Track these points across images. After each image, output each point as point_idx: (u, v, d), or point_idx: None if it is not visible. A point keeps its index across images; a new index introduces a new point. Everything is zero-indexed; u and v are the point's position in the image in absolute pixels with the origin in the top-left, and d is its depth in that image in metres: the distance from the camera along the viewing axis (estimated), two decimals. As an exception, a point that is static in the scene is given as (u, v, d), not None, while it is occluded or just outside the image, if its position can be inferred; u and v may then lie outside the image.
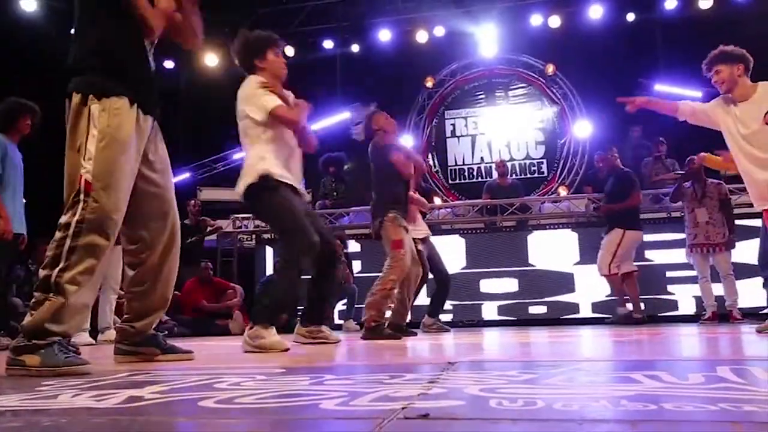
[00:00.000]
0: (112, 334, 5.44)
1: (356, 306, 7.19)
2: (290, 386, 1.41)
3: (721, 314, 6.24)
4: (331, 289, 4.00)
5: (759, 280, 5.99)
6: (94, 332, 5.57)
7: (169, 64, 12.18)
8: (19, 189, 4.89)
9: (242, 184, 3.56)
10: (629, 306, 6.49)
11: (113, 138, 2.25)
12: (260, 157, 3.53)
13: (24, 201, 5.04)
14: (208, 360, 2.68)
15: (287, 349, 3.03)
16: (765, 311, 6.35)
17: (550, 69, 11.38)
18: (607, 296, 6.88)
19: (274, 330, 3.19)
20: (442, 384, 1.34)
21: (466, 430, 0.91)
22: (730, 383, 1.30)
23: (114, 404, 1.23)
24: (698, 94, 10.75)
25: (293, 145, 3.70)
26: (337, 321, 7.26)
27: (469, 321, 7.43)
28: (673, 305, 7.21)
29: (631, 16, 10.68)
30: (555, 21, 10.76)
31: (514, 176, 10.61)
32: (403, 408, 1.02)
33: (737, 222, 6.31)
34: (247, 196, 3.60)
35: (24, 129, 4.94)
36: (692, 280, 6.80)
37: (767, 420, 0.92)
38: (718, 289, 6.31)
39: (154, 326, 2.66)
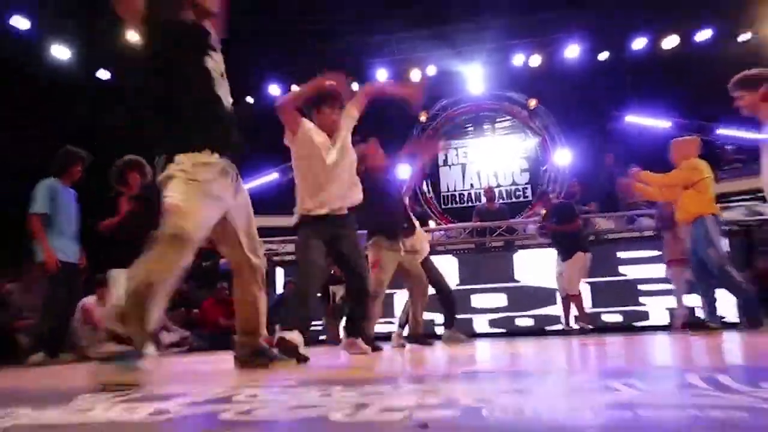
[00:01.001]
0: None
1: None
2: (302, 398, 1.41)
3: (690, 323, 6.23)
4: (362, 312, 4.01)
5: (726, 291, 6.02)
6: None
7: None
8: (68, 225, 5.03)
9: None
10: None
11: None
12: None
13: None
14: (227, 374, 2.66)
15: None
16: (726, 320, 6.38)
17: (532, 103, 11.49)
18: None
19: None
20: (439, 394, 1.34)
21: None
22: (698, 389, 1.30)
23: (143, 417, 1.24)
24: (667, 124, 10.86)
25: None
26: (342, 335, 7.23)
27: (463, 334, 7.37)
28: (645, 315, 7.22)
29: (603, 55, 10.82)
30: (536, 60, 10.89)
31: (501, 201, 10.66)
32: (403, 418, 1.03)
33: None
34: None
35: (75, 175, 5.17)
36: (663, 292, 6.82)
37: (735, 424, 0.92)
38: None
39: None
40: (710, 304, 5.48)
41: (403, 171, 11.59)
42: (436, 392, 1.39)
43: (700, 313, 6.26)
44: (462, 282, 7.52)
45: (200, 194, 2.20)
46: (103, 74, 10.78)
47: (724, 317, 5.44)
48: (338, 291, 7.13)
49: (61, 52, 9.80)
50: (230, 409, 1.26)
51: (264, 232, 9.53)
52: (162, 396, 1.62)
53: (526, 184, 11.58)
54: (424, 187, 11.89)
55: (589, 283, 6.71)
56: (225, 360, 3.89)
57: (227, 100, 2.52)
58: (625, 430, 0.92)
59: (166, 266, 2.11)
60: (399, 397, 1.32)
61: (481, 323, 7.53)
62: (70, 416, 1.30)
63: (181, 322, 7.07)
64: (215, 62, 2.45)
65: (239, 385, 1.81)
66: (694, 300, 6.31)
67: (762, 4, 9.92)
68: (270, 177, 12.65)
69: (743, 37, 10.20)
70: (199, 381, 2.20)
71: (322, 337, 7.33)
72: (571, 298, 6.57)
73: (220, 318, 7.14)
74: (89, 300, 6.07)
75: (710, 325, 5.45)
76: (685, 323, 6.21)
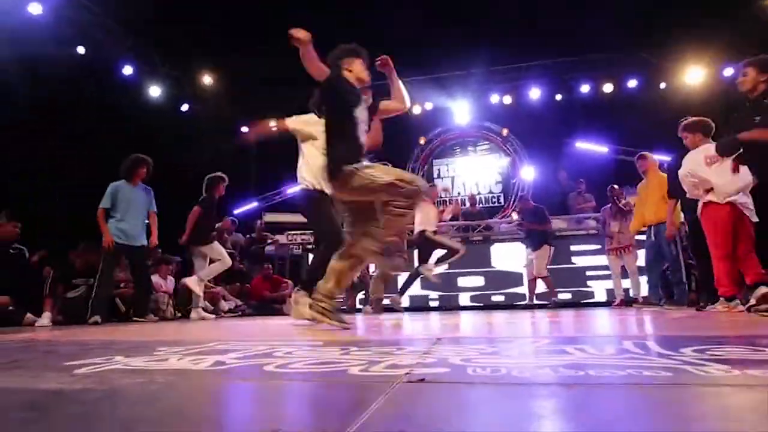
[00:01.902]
0: (201, 312, 5.51)
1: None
2: (327, 355, 1.39)
3: (626, 301, 6.17)
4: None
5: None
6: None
7: (245, 129, 12.27)
8: (130, 215, 4.94)
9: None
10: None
11: None
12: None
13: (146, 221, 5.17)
14: (271, 334, 2.65)
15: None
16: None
17: (505, 132, 11.44)
18: (544, 290, 6.78)
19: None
20: (433, 355, 1.32)
21: (450, 390, 0.90)
22: (633, 353, 1.27)
23: (205, 367, 1.23)
24: (605, 149, 10.81)
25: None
26: (357, 306, 7.20)
27: (450, 306, 7.36)
28: (591, 295, 7.14)
29: (558, 96, 10.78)
30: (508, 99, 10.87)
31: (481, 205, 10.59)
32: (406, 374, 1.01)
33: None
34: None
35: (141, 175, 5.12)
36: (604, 277, 6.74)
37: (661, 382, 0.90)
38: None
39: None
40: (655, 285, 5.44)
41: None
42: (430, 353, 1.37)
43: (631, 293, 6.21)
44: (450, 267, 7.45)
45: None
46: (184, 107, 10.91)
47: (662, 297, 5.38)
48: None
49: (155, 91, 9.90)
50: (272, 363, 1.25)
51: (301, 225, 9.50)
52: (220, 350, 1.62)
53: (499, 193, 11.55)
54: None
55: (549, 269, 6.65)
56: (268, 324, 3.92)
57: (363, 136, 2.75)
58: (577, 386, 0.90)
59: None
60: (402, 357, 1.30)
61: (464, 299, 7.47)
62: (151, 363, 1.30)
63: (236, 294, 7.08)
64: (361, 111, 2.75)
65: (279, 344, 1.79)
66: (626, 283, 6.24)
67: (674, 62, 9.93)
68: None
69: (662, 86, 10.24)
70: (249, 339, 2.19)
71: (343, 307, 7.32)
72: (543, 280, 6.55)
73: (265, 292, 7.14)
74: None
75: (652, 300, 5.42)
76: (622, 300, 6.15)
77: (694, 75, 9.83)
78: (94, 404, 0.85)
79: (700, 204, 3.92)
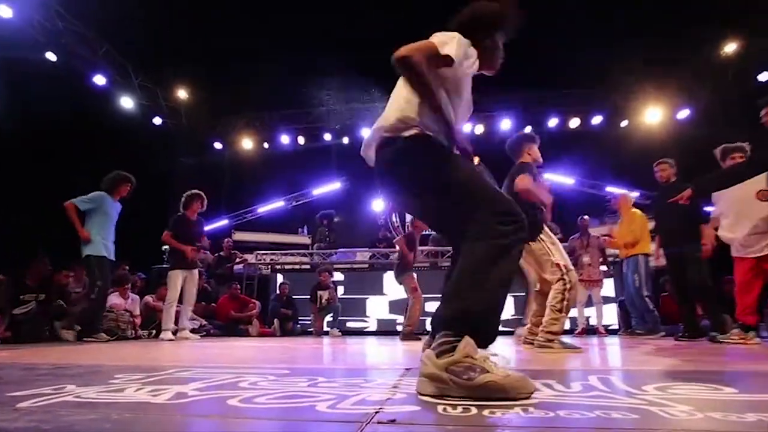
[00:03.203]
0: (187, 333, 5.38)
1: (339, 318, 7.03)
2: (293, 387, 1.34)
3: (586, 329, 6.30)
4: None
5: (613, 306, 6.10)
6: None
7: (218, 146, 12.17)
8: (108, 229, 4.90)
9: None
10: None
11: None
12: None
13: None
14: (236, 360, 2.55)
15: None
16: (614, 327, 6.46)
17: (476, 160, 11.60)
18: (511, 315, 6.85)
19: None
20: (403, 389, 1.28)
21: (421, 433, 0.87)
22: (599, 391, 1.26)
23: (165, 399, 1.15)
24: (571, 181, 11.19)
25: None
26: (325, 329, 7.07)
27: (418, 331, 7.30)
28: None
29: (527, 129, 11.11)
30: (479, 129, 11.13)
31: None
32: (376, 412, 0.97)
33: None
34: None
35: (123, 192, 5.08)
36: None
37: (629, 427, 0.89)
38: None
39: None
40: (640, 316, 5.60)
41: (378, 205, 11.60)
42: (399, 387, 1.33)
43: (593, 321, 6.35)
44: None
45: None
46: (157, 120, 10.72)
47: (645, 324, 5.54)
48: (324, 295, 7.01)
49: (126, 102, 9.71)
50: (236, 396, 1.18)
51: (271, 245, 9.43)
52: (182, 379, 1.54)
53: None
54: (394, 218, 11.88)
55: (512, 295, 6.73)
56: (233, 346, 3.78)
57: None
58: (550, 430, 0.89)
59: None
60: (371, 391, 1.25)
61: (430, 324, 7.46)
62: (107, 395, 1.21)
63: (201, 313, 6.84)
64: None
65: (244, 372, 1.72)
66: (589, 311, 6.38)
67: (634, 101, 10.48)
68: (277, 204, 12.54)
69: (623, 123, 10.77)
70: (213, 365, 2.10)
71: (310, 329, 7.17)
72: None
73: (231, 311, 6.94)
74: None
75: (637, 330, 5.55)
76: (584, 329, 6.27)
77: (652, 115, 10.35)
78: (38, 446, 0.78)
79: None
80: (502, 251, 1.36)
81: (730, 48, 9.25)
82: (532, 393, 1.16)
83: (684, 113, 10.27)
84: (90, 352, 3.16)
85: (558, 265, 3.19)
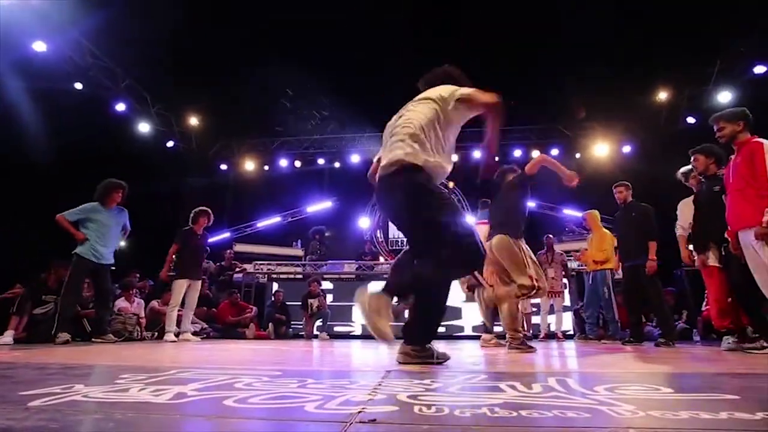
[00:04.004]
0: (189, 335, 5.20)
1: (328, 323, 6.93)
2: (284, 388, 1.30)
3: (547, 334, 6.31)
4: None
5: (569, 314, 6.13)
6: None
7: (224, 167, 12.09)
8: (102, 236, 4.51)
9: None
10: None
11: None
12: None
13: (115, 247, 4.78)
14: (233, 362, 2.48)
15: None
16: (570, 333, 6.49)
17: (451, 184, 11.78)
18: (480, 322, 6.83)
19: None
20: (383, 390, 1.26)
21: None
22: (557, 392, 1.25)
23: (166, 399, 1.11)
24: (533, 204, 11.36)
25: None
26: (315, 332, 6.94)
27: (398, 336, 7.23)
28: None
29: (496, 158, 11.30)
30: (455, 157, 11.25)
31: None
32: (359, 412, 0.95)
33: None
34: None
35: (117, 199, 4.67)
36: (533, 313, 6.89)
37: (582, 425, 0.89)
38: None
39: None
40: (593, 322, 5.60)
41: (365, 223, 11.59)
42: (380, 389, 1.31)
43: (553, 327, 6.37)
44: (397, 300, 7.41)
45: None
46: (170, 143, 10.64)
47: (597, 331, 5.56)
48: (314, 302, 6.92)
49: (144, 128, 9.63)
50: (232, 396, 1.15)
51: (268, 256, 9.32)
52: (183, 379, 1.48)
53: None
54: (378, 234, 11.87)
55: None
56: (230, 348, 3.69)
57: None
58: (513, 428, 0.88)
59: None
60: (354, 392, 1.23)
61: (410, 328, 7.38)
62: (111, 395, 1.16)
63: (202, 317, 6.68)
64: None
65: (240, 373, 1.67)
66: (551, 318, 6.40)
67: (585, 137, 10.77)
68: (274, 219, 12.44)
69: (577, 155, 11.00)
70: (211, 366, 2.04)
71: (301, 333, 7.04)
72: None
73: (229, 316, 6.79)
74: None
75: (589, 336, 5.56)
76: (546, 334, 6.28)
77: (600, 149, 10.64)
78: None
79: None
80: (444, 279, 2.01)
81: (662, 96, 9.69)
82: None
83: (627, 148, 10.59)
84: (98, 352, 3.04)
85: (531, 277, 3.32)
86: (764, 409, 0.97)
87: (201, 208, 5.54)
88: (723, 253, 3.61)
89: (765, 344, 3.26)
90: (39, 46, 7.27)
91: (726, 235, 3.26)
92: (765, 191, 2.84)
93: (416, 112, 2.17)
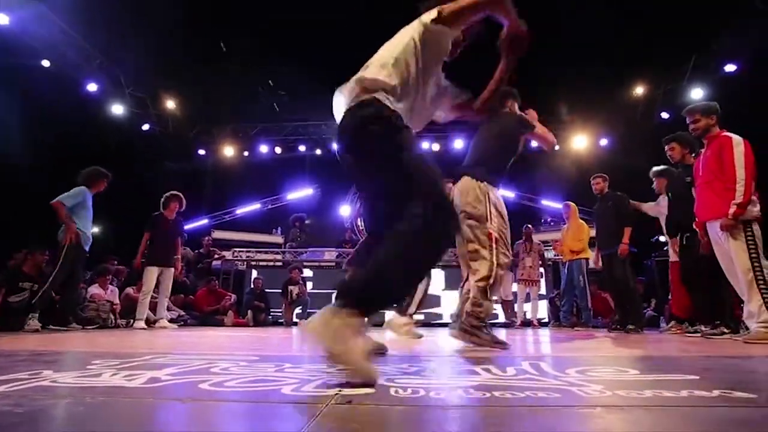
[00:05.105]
0: (165, 322, 5.14)
1: (308, 311, 6.91)
2: (261, 372, 1.30)
3: (523, 322, 6.45)
4: None
5: (545, 302, 6.26)
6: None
7: (202, 152, 11.82)
8: (86, 221, 4.56)
9: None
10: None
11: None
12: None
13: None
14: (210, 347, 2.45)
15: None
16: (545, 320, 6.65)
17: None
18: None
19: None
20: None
21: (374, 412, 0.86)
22: (530, 374, 1.29)
23: (139, 384, 1.09)
24: (511, 194, 11.53)
25: None
26: (294, 320, 6.92)
27: (380, 323, 7.27)
28: (494, 316, 7.36)
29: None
30: (435, 147, 11.28)
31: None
32: (335, 395, 0.95)
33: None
34: None
35: (100, 186, 4.73)
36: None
37: (551, 404, 0.92)
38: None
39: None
40: (567, 311, 5.72)
41: (345, 210, 11.55)
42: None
43: (529, 315, 6.52)
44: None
45: None
46: (146, 127, 10.31)
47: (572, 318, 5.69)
48: (294, 289, 6.89)
49: (117, 109, 9.28)
50: (208, 380, 1.13)
51: (247, 243, 9.16)
52: (158, 364, 1.46)
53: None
54: (359, 222, 11.85)
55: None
56: (207, 335, 3.64)
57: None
58: (486, 408, 0.90)
59: None
60: (332, 375, 1.23)
61: (389, 316, 7.43)
62: (83, 380, 1.13)
63: (180, 304, 6.56)
64: None
65: (216, 358, 1.65)
66: (527, 306, 6.54)
67: (564, 130, 10.90)
68: (254, 206, 12.27)
69: (556, 147, 11.06)
70: (188, 352, 2.00)
71: (281, 321, 7.01)
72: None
73: (207, 304, 6.70)
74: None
75: (563, 323, 5.68)
76: (522, 321, 6.41)
77: (579, 141, 10.83)
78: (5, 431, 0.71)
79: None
80: (427, 240, 1.19)
81: (639, 91, 9.92)
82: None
83: (604, 141, 10.82)
84: (70, 339, 2.96)
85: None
86: (720, 387, 1.03)
87: (172, 192, 5.39)
88: (685, 242, 3.78)
89: (725, 330, 3.43)
90: (1, 19, 6.86)
91: (694, 226, 3.38)
92: (732, 184, 2.95)
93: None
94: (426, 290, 3.48)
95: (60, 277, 4.31)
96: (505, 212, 2.63)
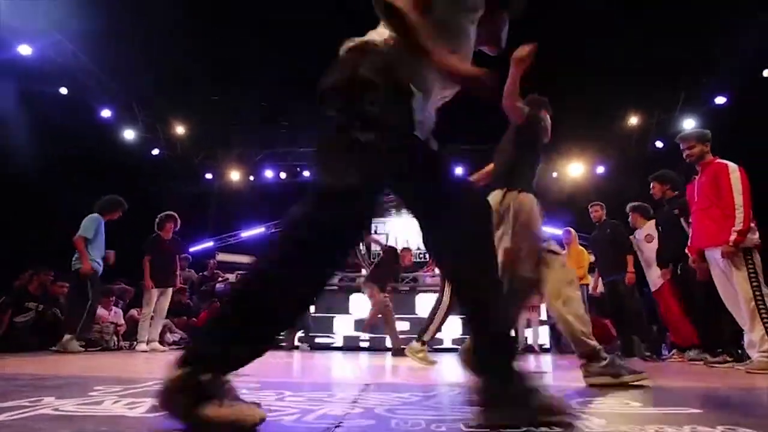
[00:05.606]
0: (155, 344, 5.06)
1: (311, 335, 6.83)
2: (262, 400, 1.27)
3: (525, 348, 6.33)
4: None
5: (546, 328, 6.17)
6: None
7: (209, 176, 11.98)
8: (99, 248, 4.60)
9: None
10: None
11: None
12: None
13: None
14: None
15: None
16: (547, 346, 6.54)
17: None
18: (460, 335, 6.82)
19: None
20: (361, 404, 1.24)
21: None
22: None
23: (141, 413, 1.07)
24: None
25: None
26: (296, 343, 6.81)
27: (379, 348, 7.17)
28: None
29: (473, 176, 11.41)
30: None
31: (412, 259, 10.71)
32: (336, 426, 0.94)
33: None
34: None
35: (114, 215, 4.81)
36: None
37: None
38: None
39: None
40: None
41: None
42: (359, 402, 1.29)
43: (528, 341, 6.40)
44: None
45: None
46: (155, 151, 10.53)
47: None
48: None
49: (129, 134, 9.51)
50: (209, 409, 1.11)
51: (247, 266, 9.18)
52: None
53: (426, 251, 11.76)
54: (361, 247, 11.84)
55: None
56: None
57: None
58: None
59: None
60: (333, 405, 1.21)
61: (390, 341, 7.33)
62: (84, 408, 1.11)
63: (182, 327, 6.48)
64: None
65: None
66: (528, 332, 6.43)
67: (560, 157, 11.00)
68: (259, 230, 12.33)
69: (553, 174, 11.21)
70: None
71: (283, 343, 6.90)
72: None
73: (210, 326, 6.62)
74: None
75: (564, 349, 5.58)
76: (523, 348, 6.28)
77: (575, 169, 10.92)
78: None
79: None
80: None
81: (633, 120, 10.11)
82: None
83: (600, 168, 10.91)
84: (72, 362, 2.91)
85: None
86: (724, 423, 1.00)
87: (166, 213, 5.34)
88: (679, 272, 3.78)
89: (728, 359, 3.36)
90: (25, 50, 7.12)
91: (687, 251, 3.38)
92: (730, 211, 2.95)
93: None
94: (444, 317, 3.26)
95: (81, 305, 4.34)
96: None
